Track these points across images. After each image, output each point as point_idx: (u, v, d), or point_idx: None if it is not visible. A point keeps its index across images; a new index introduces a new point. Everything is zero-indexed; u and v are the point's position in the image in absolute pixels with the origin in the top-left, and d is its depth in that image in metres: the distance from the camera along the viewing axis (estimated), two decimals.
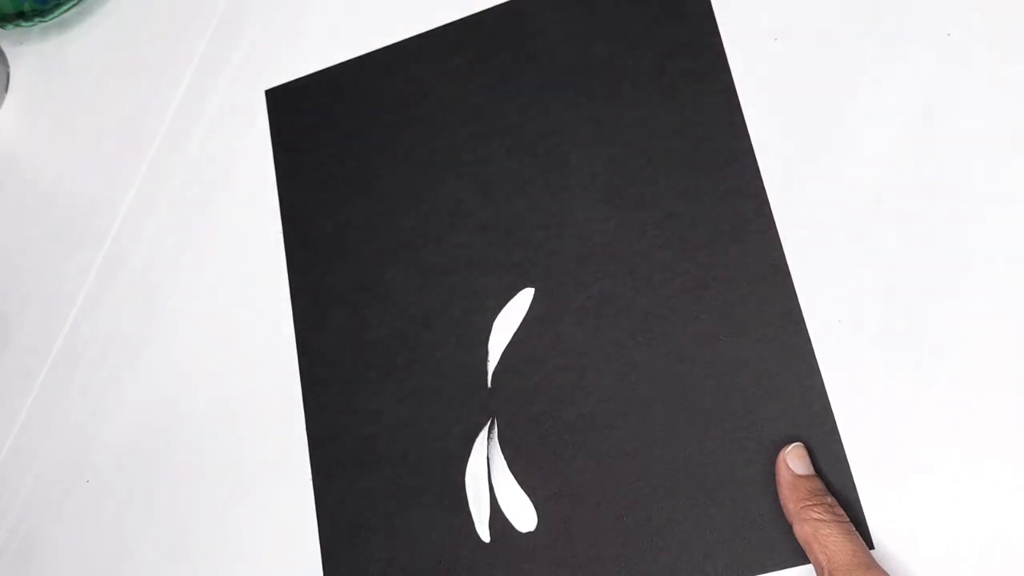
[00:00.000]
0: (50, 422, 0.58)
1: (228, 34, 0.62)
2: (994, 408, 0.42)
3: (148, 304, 0.58)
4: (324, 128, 0.57)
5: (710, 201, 0.48)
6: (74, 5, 0.64)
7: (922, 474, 0.42)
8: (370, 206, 0.55)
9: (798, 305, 0.46)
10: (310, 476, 0.52)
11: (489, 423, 0.50)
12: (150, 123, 0.62)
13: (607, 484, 0.47)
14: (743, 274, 0.47)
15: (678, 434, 0.46)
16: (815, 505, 0.41)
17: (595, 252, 0.50)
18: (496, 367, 0.50)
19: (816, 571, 0.40)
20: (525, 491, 0.48)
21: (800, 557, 0.43)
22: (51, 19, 0.64)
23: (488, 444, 0.49)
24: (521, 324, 0.50)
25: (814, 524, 0.41)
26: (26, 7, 0.65)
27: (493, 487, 0.49)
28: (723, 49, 0.50)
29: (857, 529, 0.41)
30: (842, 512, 0.42)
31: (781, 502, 0.43)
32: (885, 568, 0.39)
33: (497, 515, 0.48)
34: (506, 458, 0.49)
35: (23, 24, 0.64)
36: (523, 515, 0.48)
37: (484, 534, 0.48)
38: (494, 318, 0.51)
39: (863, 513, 0.43)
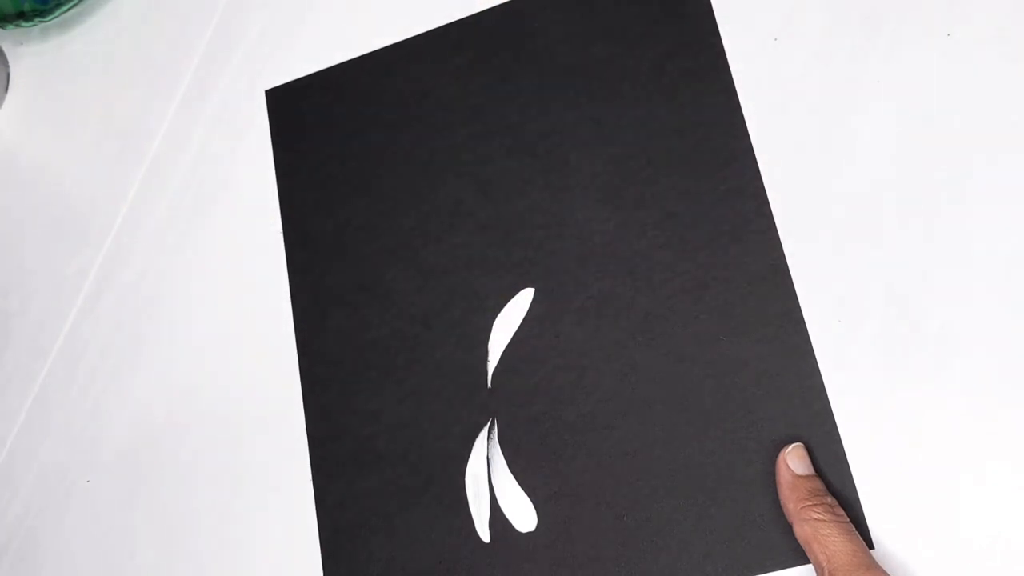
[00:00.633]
0: (50, 422, 0.58)
1: (228, 34, 0.62)
2: (994, 408, 0.42)
3: (148, 304, 0.58)
4: (324, 128, 0.57)
5: (710, 201, 0.48)
6: (74, 5, 0.64)
7: (922, 474, 0.42)
8: (370, 206, 0.55)
9: (798, 305, 0.46)
10: (310, 476, 0.52)
11: (489, 423, 0.50)
12: (150, 123, 0.62)
13: (607, 484, 0.47)
14: (743, 274, 0.47)
15: (678, 434, 0.46)
16: (815, 505, 0.41)
17: (595, 252, 0.50)
18: (496, 367, 0.50)
19: (816, 571, 0.40)
20: (525, 491, 0.48)
21: (800, 557, 0.43)
22: (51, 19, 0.64)
23: (488, 444, 0.49)
24: (521, 324, 0.50)
25: (814, 524, 0.41)
26: (26, 7, 0.65)
27: (493, 487, 0.49)
28: (723, 49, 0.50)
29: (857, 529, 0.41)
30: (842, 512, 0.42)
31: (781, 502, 0.43)
32: (885, 568, 0.39)
33: (497, 515, 0.48)
34: (506, 458, 0.49)
35: (23, 24, 0.64)
36: (523, 515, 0.48)
37: (484, 534, 0.48)
38: (494, 318, 0.51)
39: (863, 513, 0.43)
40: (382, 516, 0.50)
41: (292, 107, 0.59)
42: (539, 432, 0.48)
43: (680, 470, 0.46)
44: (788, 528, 0.42)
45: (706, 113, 0.50)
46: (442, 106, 0.55)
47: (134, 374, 0.57)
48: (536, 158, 0.52)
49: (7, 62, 0.67)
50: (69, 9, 0.64)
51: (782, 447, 0.44)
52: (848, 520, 0.41)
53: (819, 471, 0.43)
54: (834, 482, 0.43)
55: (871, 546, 0.42)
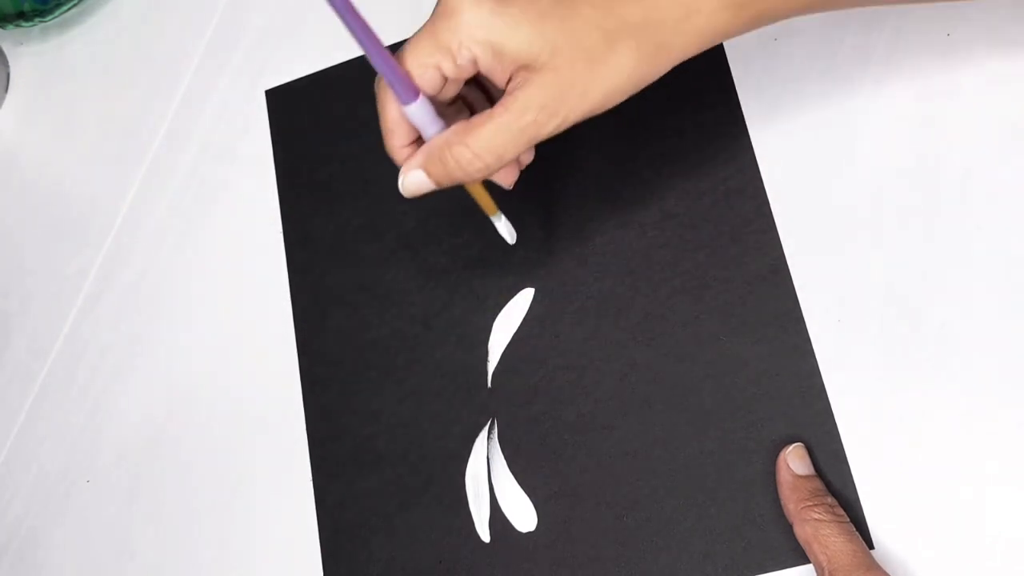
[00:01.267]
0: (50, 422, 0.58)
1: (228, 34, 0.62)
2: (994, 408, 0.42)
3: (148, 304, 0.58)
4: (324, 128, 0.57)
5: (710, 201, 0.48)
6: (74, 5, 0.64)
7: (922, 474, 0.42)
8: (370, 206, 0.55)
9: (798, 305, 0.46)
10: (310, 476, 0.52)
11: (489, 423, 0.50)
12: (150, 123, 0.62)
13: (607, 484, 0.47)
14: (743, 274, 0.47)
15: (678, 434, 0.46)
16: (816, 505, 0.41)
17: (595, 252, 0.50)
18: (496, 367, 0.50)
19: (816, 571, 0.40)
20: (525, 491, 0.48)
21: (800, 557, 0.43)
22: (51, 19, 0.64)
23: (488, 444, 0.49)
24: (521, 324, 0.50)
25: (815, 524, 0.41)
26: (26, 7, 0.65)
27: (493, 487, 0.49)
28: (723, 49, 0.50)
29: (857, 529, 0.41)
30: (842, 512, 0.42)
31: (782, 502, 0.43)
32: (885, 568, 0.39)
33: (497, 515, 0.48)
34: (506, 458, 0.49)
35: (23, 24, 0.64)
36: (523, 515, 0.48)
37: (484, 534, 0.48)
38: (494, 318, 0.51)
39: (863, 513, 0.43)
40: (382, 516, 0.50)
41: (292, 107, 0.59)
42: (539, 432, 0.48)
43: (680, 470, 0.46)
44: (788, 528, 0.42)
45: (706, 113, 0.50)
46: None
47: (134, 374, 0.57)
48: (536, 158, 0.52)
49: (7, 62, 0.67)
50: (69, 9, 0.64)
51: (782, 447, 0.44)
52: (848, 520, 0.41)
53: (819, 471, 0.43)
54: (834, 482, 0.43)
55: (871, 546, 0.42)
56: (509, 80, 0.38)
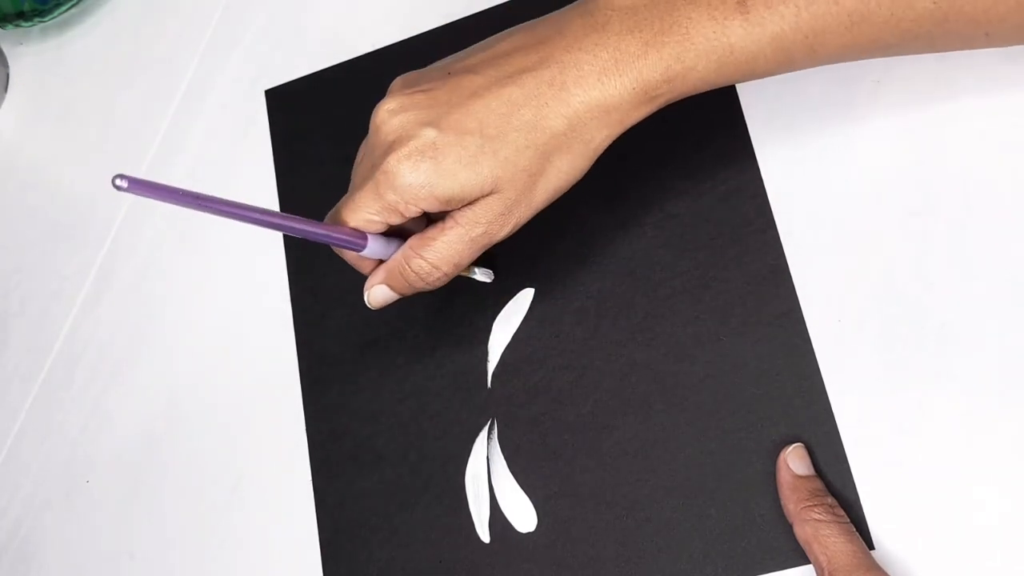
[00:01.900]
0: (50, 422, 0.58)
1: (228, 34, 0.62)
2: (994, 408, 0.42)
3: (148, 304, 0.58)
4: (324, 128, 0.57)
5: (710, 201, 0.48)
6: (74, 5, 0.64)
7: (922, 474, 0.42)
8: None
9: (798, 305, 0.46)
10: (310, 476, 0.52)
11: (489, 423, 0.50)
12: (150, 123, 0.62)
13: (607, 484, 0.47)
14: (743, 274, 0.47)
15: (678, 434, 0.46)
16: (816, 506, 0.41)
17: (595, 252, 0.50)
18: (496, 367, 0.50)
19: (816, 572, 0.40)
20: (525, 491, 0.48)
21: (800, 558, 0.43)
22: (51, 19, 0.64)
23: (488, 444, 0.49)
24: (521, 324, 0.50)
25: (815, 525, 0.41)
26: (26, 7, 0.65)
27: (493, 487, 0.49)
28: None
29: (857, 529, 0.41)
30: (843, 513, 0.42)
31: (782, 502, 0.43)
32: (885, 568, 0.39)
33: (497, 515, 0.48)
34: (506, 458, 0.49)
35: (23, 24, 0.64)
36: (523, 515, 0.48)
37: (484, 534, 0.48)
38: (494, 318, 0.51)
39: (863, 513, 0.43)
40: (382, 516, 0.50)
41: (292, 107, 0.59)
42: (539, 432, 0.48)
43: (680, 470, 0.46)
44: (788, 528, 0.42)
45: (706, 113, 0.50)
46: None
47: (134, 374, 0.57)
48: None
49: (7, 62, 0.67)
50: (68, 9, 0.64)
51: (782, 447, 0.44)
52: (848, 521, 0.41)
53: (819, 471, 0.43)
54: (834, 482, 0.43)
55: (871, 547, 0.42)
56: None
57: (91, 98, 0.64)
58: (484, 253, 0.43)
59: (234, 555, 0.52)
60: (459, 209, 0.41)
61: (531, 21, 0.42)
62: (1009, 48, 0.40)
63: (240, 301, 0.56)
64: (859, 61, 0.47)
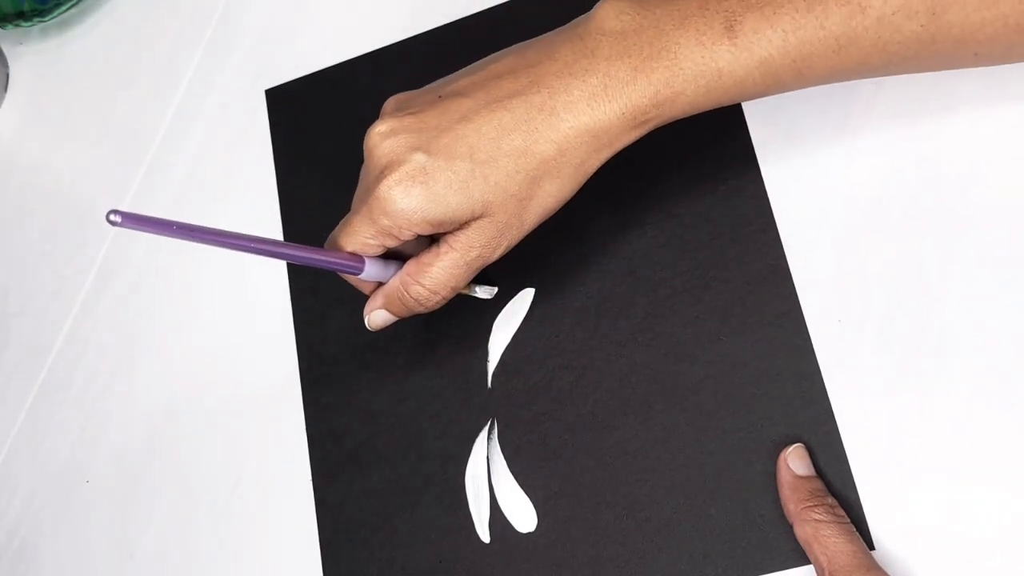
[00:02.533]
0: (50, 422, 0.58)
1: (228, 34, 0.62)
2: (994, 408, 0.42)
3: (148, 304, 0.58)
4: (324, 128, 0.57)
5: (710, 201, 0.48)
6: (74, 5, 0.64)
7: (922, 474, 0.42)
8: None
9: (798, 305, 0.46)
10: (310, 476, 0.52)
11: (489, 423, 0.50)
12: (150, 123, 0.62)
13: (607, 484, 0.47)
14: (743, 274, 0.47)
15: (678, 434, 0.46)
16: (816, 506, 0.41)
17: (595, 252, 0.50)
18: (496, 367, 0.50)
19: (816, 572, 0.40)
20: (525, 491, 0.48)
21: (801, 558, 0.43)
22: (51, 19, 0.64)
23: (488, 444, 0.49)
24: (521, 324, 0.50)
25: (815, 525, 0.41)
26: (26, 7, 0.65)
27: (493, 487, 0.49)
28: None
29: (857, 529, 0.41)
30: (843, 513, 0.42)
31: (782, 503, 0.43)
32: (886, 569, 0.39)
33: (497, 515, 0.48)
34: (506, 458, 0.49)
35: (23, 24, 0.64)
36: (523, 515, 0.48)
37: (484, 534, 0.48)
38: (494, 318, 0.51)
39: (863, 513, 0.43)
40: (382, 516, 0.50)
41: (292, 107, 0.59)
42: (539, 432, 0.48)
43: (680, 470, 0.46)
44: (788, 528, 0.42)
45: (707, 113, 0.49)
46: None
47: (134, 374, 0.57)
48: None
49: (6, 62, 0.67)
50: (68, 9, 0.64)
51: (782, 447, 0.44)
52: (849, 521, 0.41)
53: (820, 472, 0.43)
54: (835, 482, 0.43)
55: (871, 547, 0.42)
56: None
57: (91, 98, 0.64)
58: None
59: (234, 555, 0.52)
60: (452, 233, 0.42)
61: (520, 44, 0.43)
62: None
63: (240, 301, 0.56)
64: None
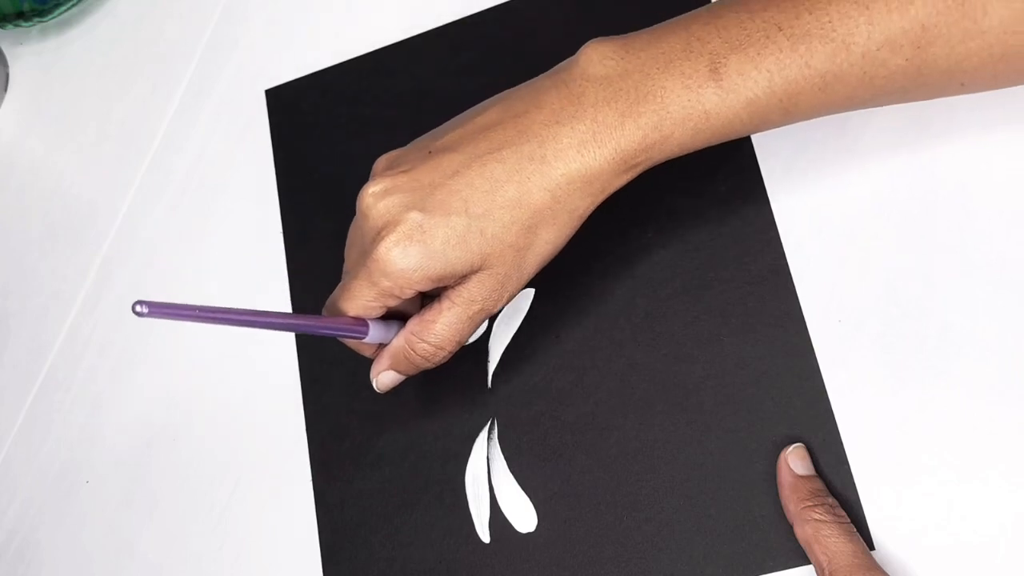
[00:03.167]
0: (50, 422, 0.58)
1: (228, 34, 0.62)
2: (994, 408, 0.42)
3: None
4: (324, 128, 0.57)
5: (710, 201, 0.48)
6: (73, 5, 0.64)
7: (922, 475, 0.42)
8: None
9: (798, 305, 0.46)
10: (310, 476, 0.52)
11: (489, 423, 0.50)
12: (150, 123, 0.62)
13: (607, 484, 0.47)
14: (743, 274, 0.47)
15: (678, 434, 0.46)
16: (816, 506, 0.41)
17: (595, 252, 0.50)
18: (496, 367, 0.50)
19: (817, 572, 0.40)
20: (525, 491, 0.48)
21: (801, 558, 0.43)
22: (50, 19, 0.64)
23: (488, 444, 0.49)
24: (521, 324, 0.50)
25: (815, 525, 0.41)
26: (25, 7, 0.65)
27: (493, 487, 0.49)
28: None
29: (857, 529, 0.41)
30: (843, 513, 0.42)
31: (782, 503, 0.43)
32: (886, 569, 0.39)
33: (497, 516, 0.48)
34: (506, 458, 0.49)
35: (23, 24, 0.64)
36: (523, 516, 0.48)
37: (484, 535, 0.48)
38: (494, 318, 0.51)
39: (863, 514, 0.43)
40: (382, 516, 0.50)
41: (292, 107, 0.59)
42: (539, 432, 0.48)
43: (680, 470, 0.46)
44: (789, 529, 0.42)
45: None
46: (442, 106, 0.55)
47: (134, 374, 0.57)
48: None
49: (6, 62, 0.67)
50: (68, 9, 0.64)
51: (782, 447, 0.44)
52: (849, 521, 0.41)
53: (820, 472, 0.43)
54: (835, 483, 0.43)
55: (871, 547, 0.42)
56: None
57: (91, 98, 0.64)
58: None
59: (234, 555, 0.52)
60: (454, 288, 0.42)
61: (505, 92, 0.42)
62: None
63: (240, 301, 0.56)
64: None
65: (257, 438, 0.54)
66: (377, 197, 0.41)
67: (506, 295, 0.42)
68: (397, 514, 0.50)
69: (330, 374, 0.53)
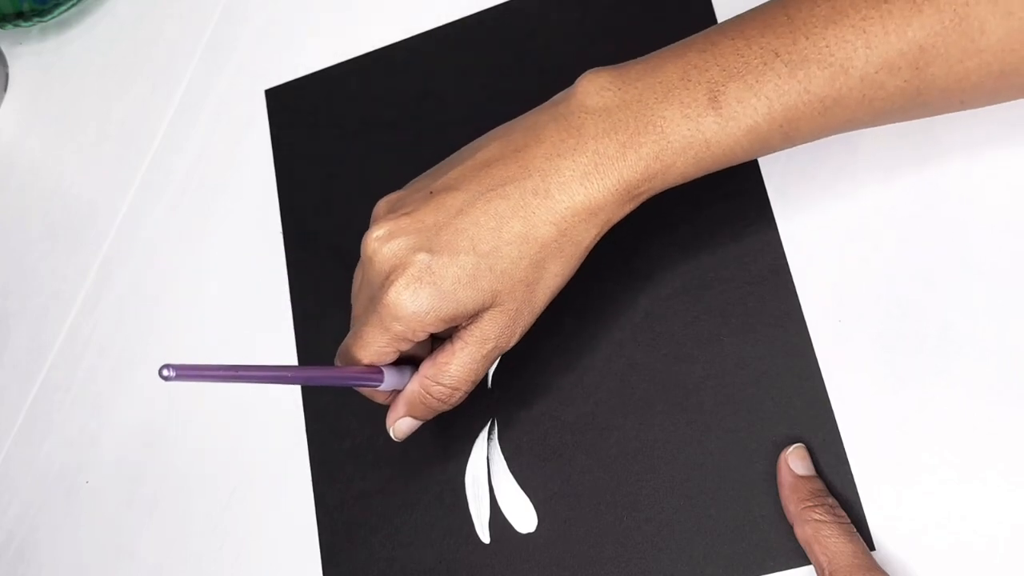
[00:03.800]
0: (50, 422, 0.58)
1: (228, 34, 0.62)
2: (994, 408, 0.42)
3: (148, 304, 0.58)
4: (324, 128, 0.57)
5: (710, 201, 0.48)
6: (73, 5, 0.64)
7: (922, 474, 0.42)
8: (370, 206, 0.55)
9: (798, 305, 0.46)
10: (310, 476, 0.52)
11: (489, 423, 0.50)
12: (150, 123, 0.62)
13: (607, 484, 0.47)
14: (743, 274, 0.47)
15: (678, 434, 0.46)
16: (816, 506, 0.41)
17: (595, 252, 0.50)
18: (496, 367, 0.50)
19: (817, 572, 0.40)
20: (525, 491, 0.48)
21: (801, 558, 0.43)
22: (50, 19, 0.64)
23: (488, 444, 0.49)
24: None
25: (815, 525, 0.41)
26: (25, 7, 0.65)
27: (493, 488, 0.49)
28: None
29: (857, 530, 0.41)
30: (843, 513, 0.42)
31: (782, 503, 0.43)
32: (886, 569, 0.39)
33: (497, 516, 0.48)
34: (506, 458, 0.49)
35: (22, 24, 0.64)
36: (523, 516, 0.48)
37: (484, 535, 0.48)
38: None
39: (864, 514, 0.43)
40: (382, 516, 0.50)
41: (292, 107, 0.59)
42: (539, 432, 0.48)
43: (680, 470, 0.46)
44: (789, 529, 0.42)
45: None
46: (442, 106, 0.55)
47: (134, 374, 0.57)
48: None
49: (6, 62, 0.67)
50: (68, 9, 0.64)
51: (782, 447, 0.44)
52: (849, 521, 0.41)
53: (820, 472, 0.43)
54: (835, 483, 0.43)
55: (871, 547, 0.42)
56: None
57: (91, 98, 0.64)
58: None
59: (234, 556, 0.52)
60: (466, 328, 0.41)
61: (503, 126, 0.42)
62: None
63: (240, 301, 0.56)
64: None
65: (257, 438, 0.54)
66: (382, 241, 0.40)
67: (518, 331, 0.42)
68: (397, 514, 0.50)
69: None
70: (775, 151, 0.40)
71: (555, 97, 0.41)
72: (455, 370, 0.42)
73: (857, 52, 0.36)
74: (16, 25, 0.64)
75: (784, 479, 0.43)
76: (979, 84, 0.37)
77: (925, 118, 0.40)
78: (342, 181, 0.56)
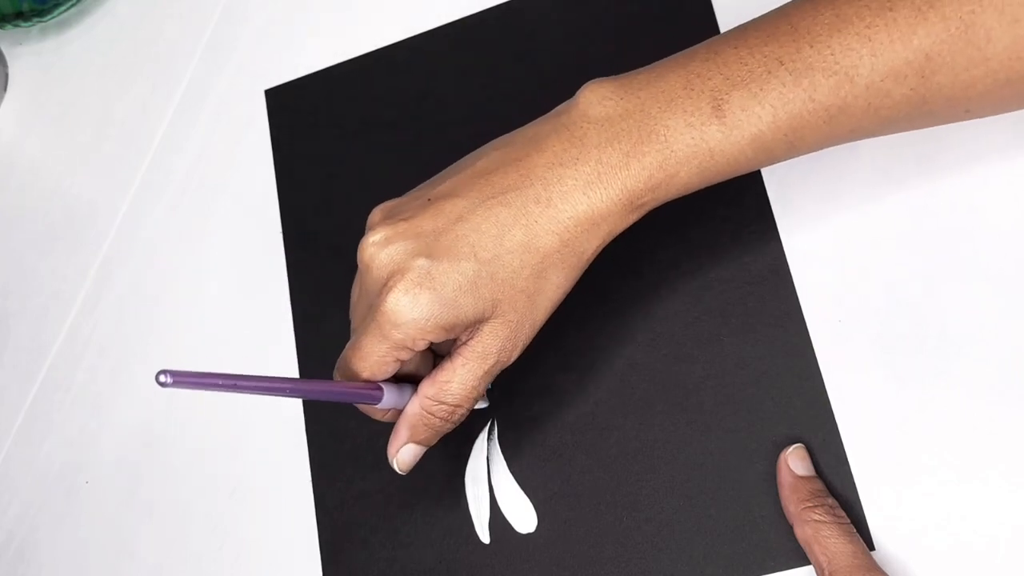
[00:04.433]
0: (50, 422, 0.58)
1: (228, 34, 0.62)
2: (994, 408, 0.42)
3: (148, 304, 0.58)
4: (324, 128, 0.57)
5: (710, 201, 0.48)
6: (73, 5, 0.64)
7: (922, 475, 0.42)
8: (370, 206, 0.55)
9: (798, 305, 0.46)
10: (310, 476, 0.52)
11: (489, 423, 0.50)
12: (150, 123, 0.62)
13: (607, 484, 0.47)
14: (743, 274, 0.47)
15: (678, 434, 0.46)
16: (816, 506, 0.41)
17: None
18: None
19: (816, 572, 0.40)
20: (525, 492, 0.48)
21: (801, 558, 0.43)
22: (50, 19, 0.64)
23: (488, 444, 0.49)
24: None
25: (815, 526, 0.41)
26: (25, 7, 0.65)
27: (493, 488, 0.49)
28: None
29: (857, 530, 0.41)
30: (843, 513, 0.42)
31: (782, 503, 0.43)
32: (885, 569, 0.39)
33: (497, 516, 0.48)
34: (506, 458, 0.49)
35: (22, 24, 0.64)
36: (523, 516, 0.48)
37: (484, 535, 0.48)
38: None
39: (863, 514, 0.43)
40: (382, 516, 0.50)
41: (292, 107, 0.59)
42: (539, 432, 0.48)
43: (680, 470, 0.46)
44: (789, 529, 0.42)
45: None
46: (442, 106, 0.55)
47: (134, 374, 0.57)
48: None
49: (6, 62, 0.67)
50: (67, 9, 0.64)
51: (782, 447, 0.44)
52: (849, 521, 0.41)
53: (820, 472, 0.43)
54: (835, 483, 0.43)
55: (871, 547, 0.42)
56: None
57: (90, 98, 0.64)
58: None
59: (234, 556, 0.52)
60: (466, 343, 0.40)
61: (503, 137, 0.41)
62: None
63: (240, 301, 0.56)
64: None
65: (257, 439, 0.54)
66: (379, 247, 0.39)
67: (520, 344, 0.41)
68: (397, 514, 0.50)
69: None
70: (779, 161, 0.39)
71: (556, 108, 0.41)
72: (456, 387, 0.41)
73: (862, 60, 0.36)
74: (16, 25, 0.64)
75: (784, 479, 0.43)
76: (985, 93, 0.36)
77: (931, 127, 0.39)
78: (342, 181, 0.56)
